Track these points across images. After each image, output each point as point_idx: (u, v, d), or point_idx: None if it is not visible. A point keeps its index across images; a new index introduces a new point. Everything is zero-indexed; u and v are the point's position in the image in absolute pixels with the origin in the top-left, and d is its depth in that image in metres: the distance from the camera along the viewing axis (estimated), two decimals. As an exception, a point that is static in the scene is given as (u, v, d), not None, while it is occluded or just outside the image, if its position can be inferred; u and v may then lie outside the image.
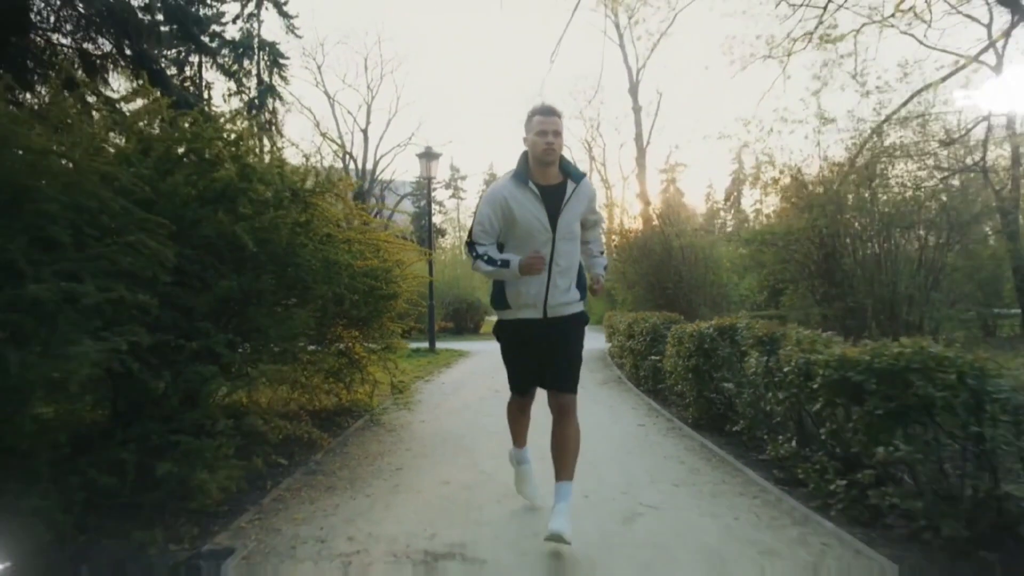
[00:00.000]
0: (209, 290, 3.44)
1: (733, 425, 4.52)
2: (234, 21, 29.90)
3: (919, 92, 10.86)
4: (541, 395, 3.03)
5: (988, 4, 13.55)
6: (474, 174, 57.54)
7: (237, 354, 3.50)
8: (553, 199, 2.74)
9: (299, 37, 30.72)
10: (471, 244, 2.83)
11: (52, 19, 9.41)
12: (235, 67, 27.02)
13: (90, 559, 2.60)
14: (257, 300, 3.75)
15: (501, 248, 2.84)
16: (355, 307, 4.68)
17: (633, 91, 30.17)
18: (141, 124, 4.03)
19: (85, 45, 9.56)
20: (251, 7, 30.51)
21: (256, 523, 3.06)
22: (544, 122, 2.71)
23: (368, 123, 35.77)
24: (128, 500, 2.82)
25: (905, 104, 10.51)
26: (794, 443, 3.63)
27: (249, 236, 3.46)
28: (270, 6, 30.60)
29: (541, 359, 2.88)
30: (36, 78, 9.45)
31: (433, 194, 20.66)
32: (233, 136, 4.15)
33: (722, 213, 39.32)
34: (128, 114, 3.98)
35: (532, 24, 41.32)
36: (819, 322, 6.54)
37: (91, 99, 5.80)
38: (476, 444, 4.70)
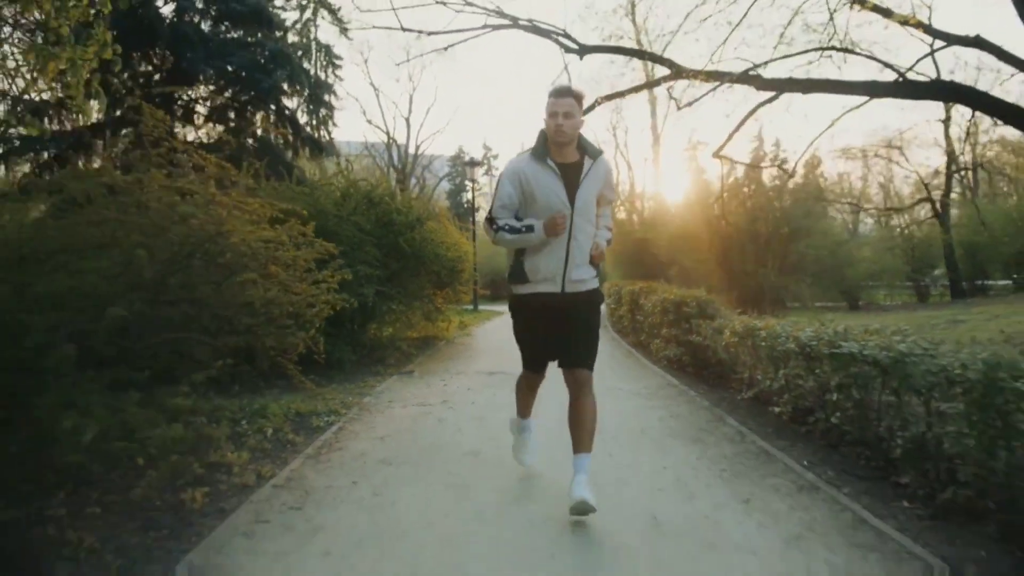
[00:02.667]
0: (386, 268, 7.58)
1: (642, 337, 8.56)
2: (293, 26, 34.00)
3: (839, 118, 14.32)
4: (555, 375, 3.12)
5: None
6: (505, 153, 61.14)
7: (402, 298, 7.71)
8: (571, 175, 2.74)
9: (350, 39, 34.73)
10: (491, 219, 2.87)
11: (213, 76, 13.53)
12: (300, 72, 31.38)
13: (360, 372, 6.78)
14: (406, 273, 7.91)
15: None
16: (444, 277, 8.83)
17: (651, 76, 33.37)
18: (340, 184, 8.16)
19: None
20: (308, 14, 34.64)
21: (416, 369, 7.21)
22: (554, 104, 2.71)
23: (410, 112, 39.75)
24: (367, 354, 7.06)
25: (829, 127, 14.00)
26: (660, 342, 7.63)
27: (405, 244, 7.59)
28: (325, 13, 34.67)
29: (558, 335, 2.86)
30: (200, 119, 13.66)
31: (467, 171, 24.58)
32: (387, 188, 8.26)
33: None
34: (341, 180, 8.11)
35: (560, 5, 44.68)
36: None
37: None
38: (506, 350, 8.81)
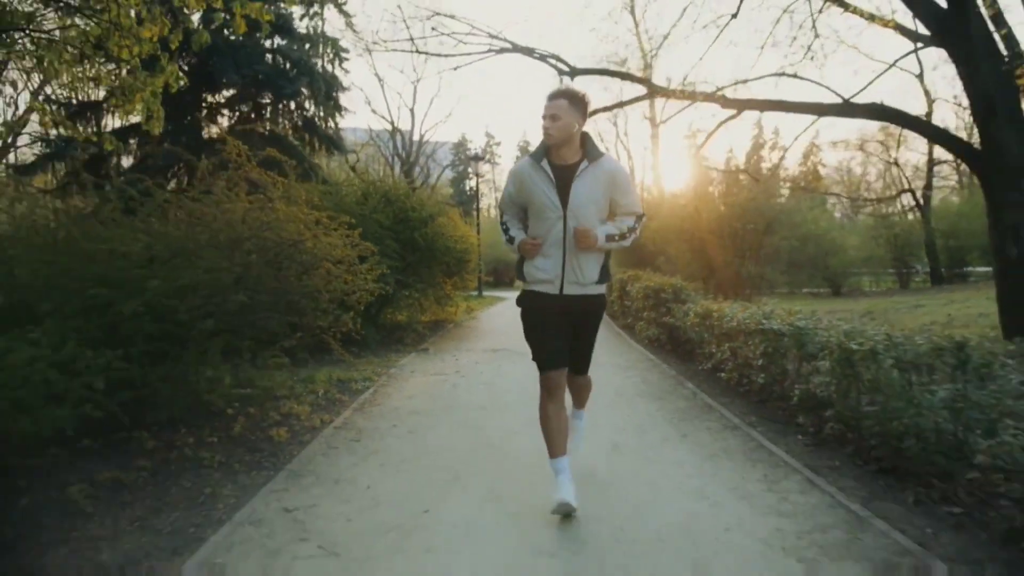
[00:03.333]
0: (403, 260, 8.62)
1: (628, 320, 9.61)
2: (300, 19, 34.76)
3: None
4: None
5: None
6: (507, 141, 62.00)
7: (417, 285, 8.77)
8: (566, 177, 2.76)
9: (356, 33, 35.48)
10: (501, 212, 3.11)
11: (235, 77, 14.49)
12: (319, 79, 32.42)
13: (383, 350, 7.84)
14: (420, 263, 8.96)
15: (525, 221, 2.97)
16: (453, 266, 9.88)
17: (647, 75, 34.14)
18: (361, 185, 9.19)
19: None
20: (315, 7, 35.39)
21: (431, 347, 8.28)
22: (545, 106, 2.77)
23: (414, 102, 40.65)
24: (387, 334, 8.12)
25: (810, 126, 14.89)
26: (643, 324, 8.68)
27: (420, 238, 8.63)
28: (331, 6, 35.42)
29: (561, 334, 2.92)
30: (223, 116, 14.59)
31: (470, 159, 25.91)
32: (403, 188, 9.29)
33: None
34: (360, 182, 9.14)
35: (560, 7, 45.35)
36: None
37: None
38: (509, 331, 9.88)
